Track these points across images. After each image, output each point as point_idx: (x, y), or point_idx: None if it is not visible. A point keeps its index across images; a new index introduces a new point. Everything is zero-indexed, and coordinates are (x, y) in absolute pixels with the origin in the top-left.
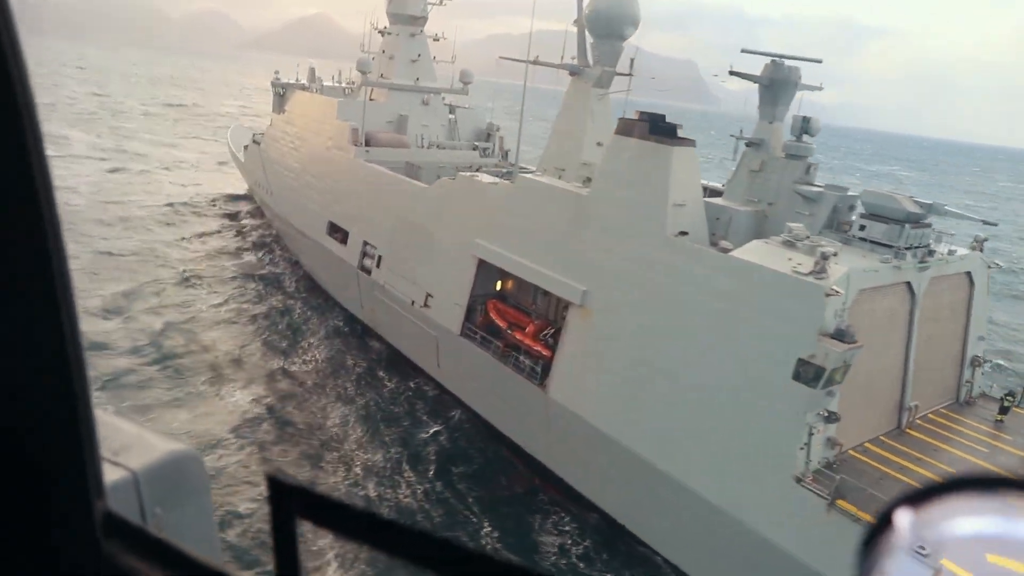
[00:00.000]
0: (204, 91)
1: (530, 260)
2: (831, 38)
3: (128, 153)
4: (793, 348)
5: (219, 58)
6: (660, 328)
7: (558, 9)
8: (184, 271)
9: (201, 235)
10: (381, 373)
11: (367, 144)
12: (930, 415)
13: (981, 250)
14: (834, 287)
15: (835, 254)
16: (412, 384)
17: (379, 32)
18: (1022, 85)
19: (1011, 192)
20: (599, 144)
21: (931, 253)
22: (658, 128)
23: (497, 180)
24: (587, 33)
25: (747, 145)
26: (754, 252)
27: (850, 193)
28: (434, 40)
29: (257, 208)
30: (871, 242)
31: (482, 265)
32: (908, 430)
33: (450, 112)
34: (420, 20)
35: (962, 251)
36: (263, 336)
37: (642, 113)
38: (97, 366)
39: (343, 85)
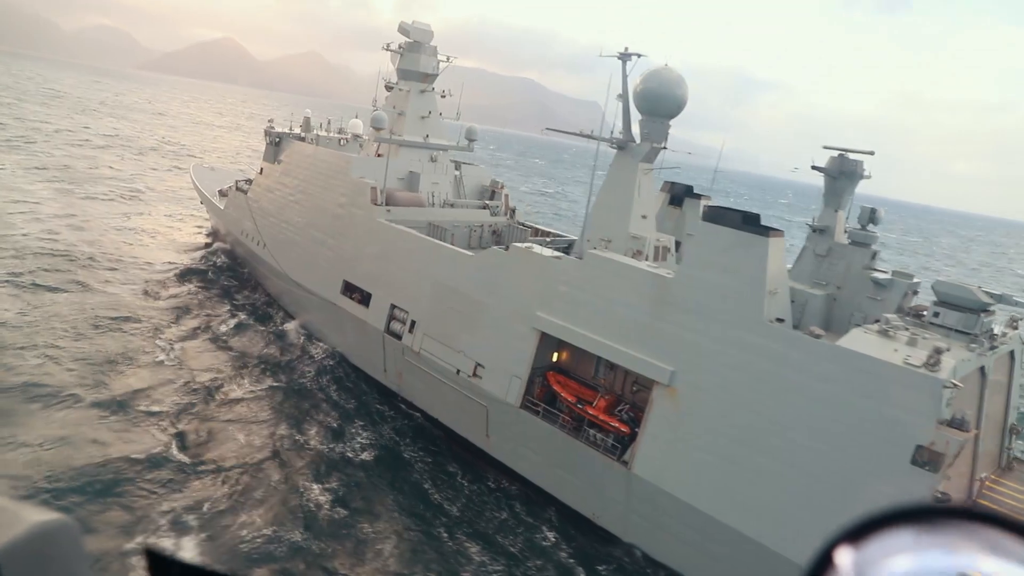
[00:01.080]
0: (127, 118)
1: (604, 337)
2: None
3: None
4: (910, 435)
5: (121, 77)
6: (758, 409)
7: (468, 48)
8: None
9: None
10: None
11: (381, 203)
12: (987, 483)
13: (1016, 328)
14: (953, 380)
15: (948, 349)
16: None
17: (386, 87)
18: (894, 139)
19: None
20: (643, 217)
21: (993, 336)
22: (748, 218)
23: (558, 254)
24: (631, 109)
25: (813, 231)
26: (859, 342)
27: (915, 280)
28: (441, 97)
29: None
30: (946, 328)
31: (543, 338)
32: (978, 499)
33: (455, 168)
34: (431, 77)
35: (1007, 330)
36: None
37: (673, 184)
38: None
39: (337, 136)
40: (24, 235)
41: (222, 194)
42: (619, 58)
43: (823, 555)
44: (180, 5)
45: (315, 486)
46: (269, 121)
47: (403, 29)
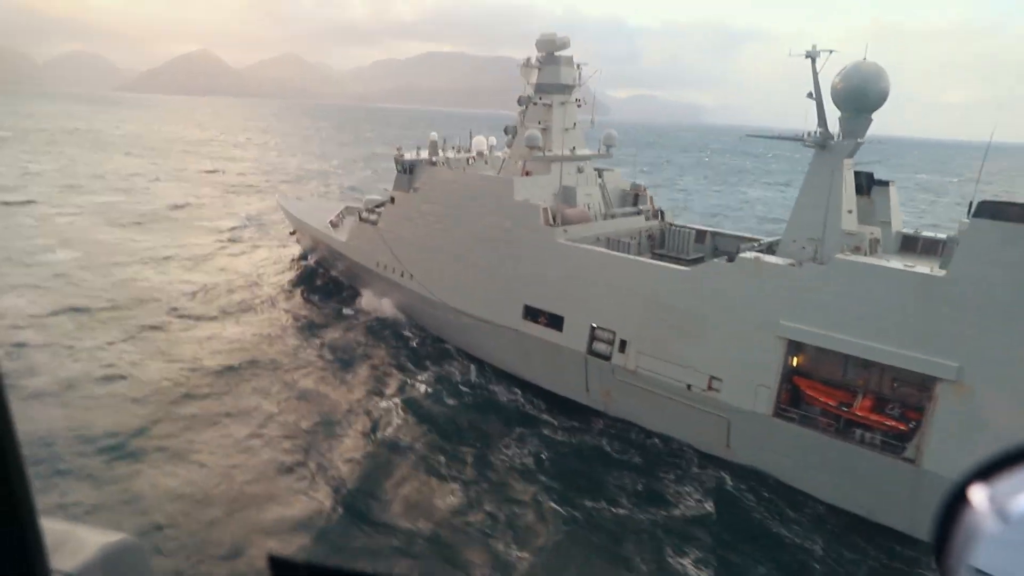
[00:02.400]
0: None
1: (861, 338)
2: (707, 42)
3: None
4: None
5: (98, 102)
6: None
7: (444, 32)
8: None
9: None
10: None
11: (557, 222)
12: None
13: None
14: None
15: None
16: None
17: (519, 101)
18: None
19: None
20: (849, 212)
21: None
22: None
23: (790, 261)
24: (823, 104)
25: None
26: None
27: None
28: (577, 106)
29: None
30: None
31: (790, 345)
32: None
33: (599, 176)
34: (571, 88)
35: None
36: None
37: (856, 172)
38: None
39: (464, 156)
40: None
41: (333, 225)
42: (807, 56)
43: (957, 492)
44: (152, 23)
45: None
46: (397, 149)
47: (541, 43)
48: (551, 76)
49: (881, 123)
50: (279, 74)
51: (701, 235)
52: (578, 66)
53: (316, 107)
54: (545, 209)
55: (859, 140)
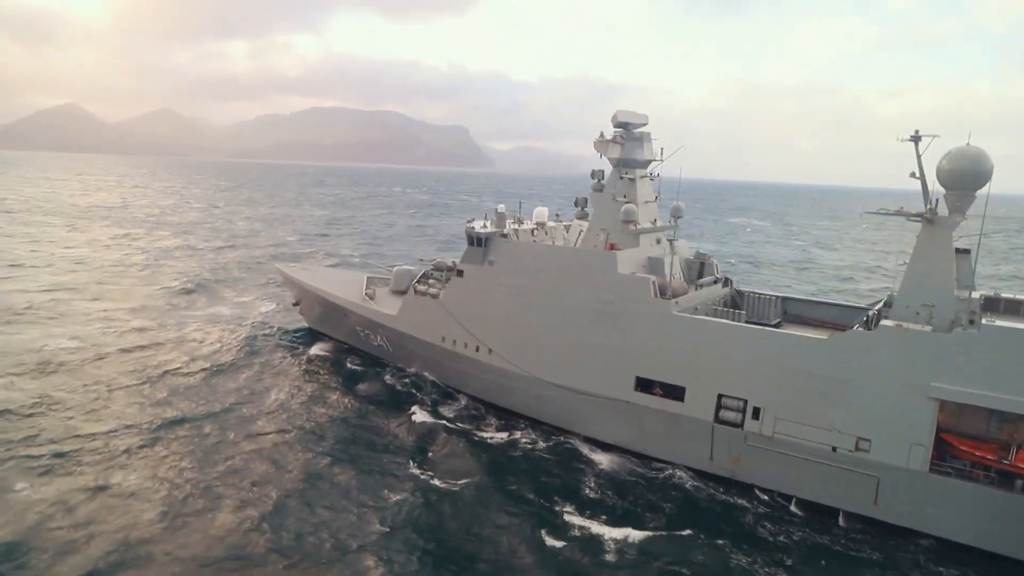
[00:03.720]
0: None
1: (1019, 395)
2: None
3: None
4: None
5: None
6: None
7: (328, 87)
8: None
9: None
10: None
11: (663, 295)
12: None
13: None
14: None
15: None
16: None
17: (593, 176)
18: (743, 126)
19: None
20: (956, 279)
21: None
22: None
23: (929, 327)
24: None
25: None
26: None
27: None
28: (651, 179)
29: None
30: None
31: (944, 406)
32: None
33: (671, 247)
34: (649, 163)
35: None
36: None
37: None
38: None
39: (531, 226)
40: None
41: (370, 297)
42: (911, 140)
43: None
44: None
45: None
46: (469, 221)
47: (619, 120)
48: (634, 152)
49: (745, 169)
50: (155, 129)
51: (783, 300)
52: (663, 158)
53: (205, 163)
54: (655, 282)
55: (966, 215)
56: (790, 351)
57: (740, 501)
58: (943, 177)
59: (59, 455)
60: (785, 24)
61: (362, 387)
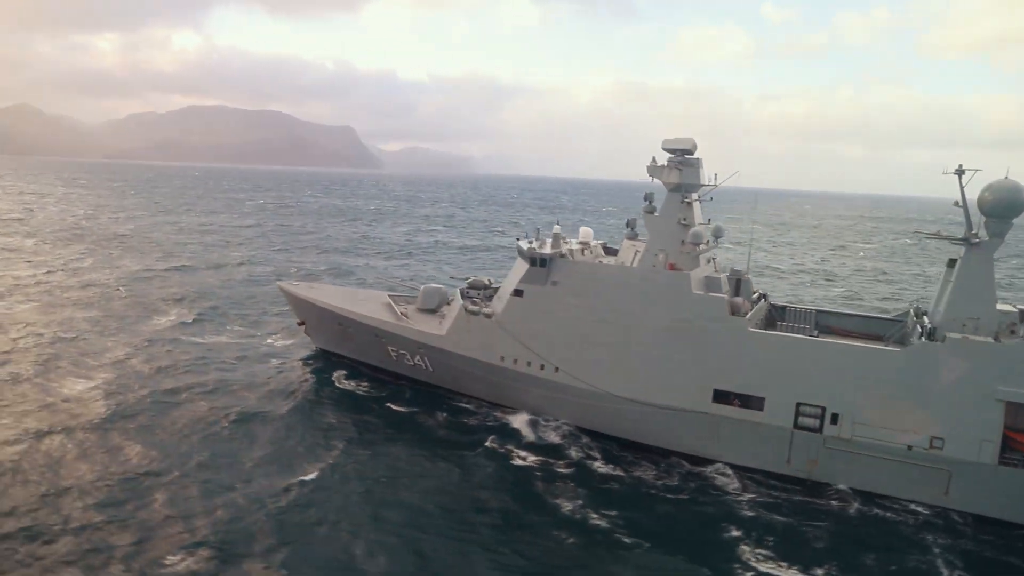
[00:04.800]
0: None
1: None
2: (476, 97)
3: None
4: None
5: None
6: None
7: (208, 85)
8: None
9: None
10: None
11: (740, 312)
12: None
13: None
14: None
15: None
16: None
17: (646, 199)
18: (624, 126)
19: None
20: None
21: None
22: None
23: (991, 339)
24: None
25: None
26: None
27: None
28: (701, 202)
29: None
30: None
31: (1009, 406)
32: None
33: (715, 267)
34: (703, 187)
35: None
36: None
37: None
38: None
39: (578, 247)
40: None
41: (404, 316)
42: (956, 173)
43: None
44: None
45: None
46: (529, 243)
47: (671, 147)
48: (692, 177)
49: (630, 170)
50: (11, 127)
51: (819, 313)
52: (715, 184)
53: (69, 164)
54: (731, 302)
55: (1004, 240)
56: (867, 362)
57: (817, 501)
58: (985, 206)
59: None
60: (671, 29)
61: (446, 432)
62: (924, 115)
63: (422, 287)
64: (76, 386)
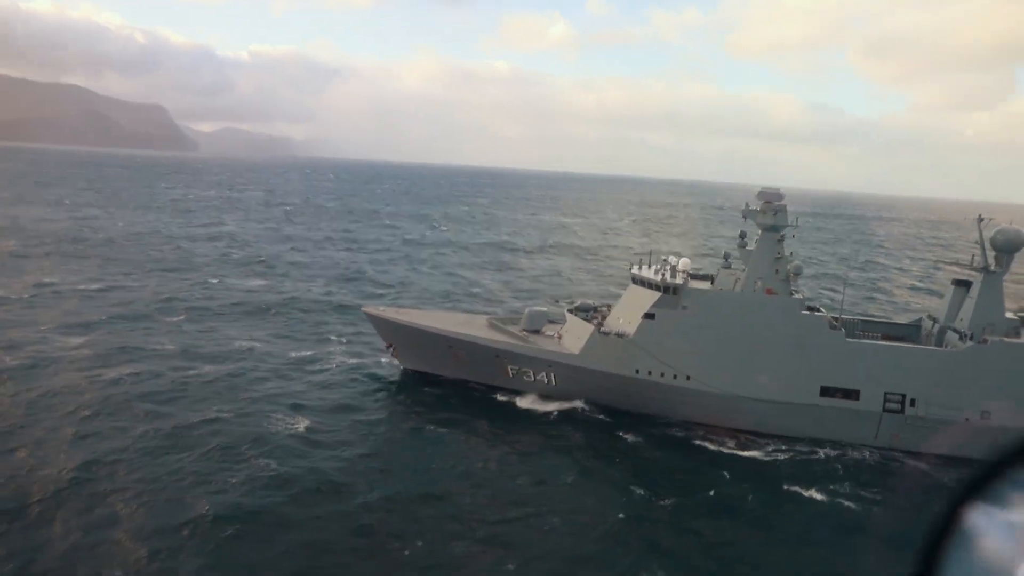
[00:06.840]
0: None
1: None
2: (297, 77)
3: None
4: None
5: None
6: None
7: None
8: None
9: None
10: None
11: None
12: None
13: None
14: None
15: None
16: None
17: (741, 235)
18: (449, 111)
19: None
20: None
21: None
22: None
23: None
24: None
25: None
26: None
27: None
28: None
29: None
30: None
31: None
32: None
33: None
34: (787, 227)
35: None
36: None
37: None
38: None
39: (685, 273)
40: None
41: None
42: (977, 221)
43: (950, 511)
44: None
45: None
46: (662, 276)
47: (766, 195)
48: (781, 220)
49: (456, 154)
50: None
51: (855, 322)
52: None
53: None
54: (827, 319)
55: (1009, 270)
56: (936, 360)
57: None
58: (998, 244)
59: None
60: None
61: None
62: (725, 108)
63: (526, 310)
64: None
